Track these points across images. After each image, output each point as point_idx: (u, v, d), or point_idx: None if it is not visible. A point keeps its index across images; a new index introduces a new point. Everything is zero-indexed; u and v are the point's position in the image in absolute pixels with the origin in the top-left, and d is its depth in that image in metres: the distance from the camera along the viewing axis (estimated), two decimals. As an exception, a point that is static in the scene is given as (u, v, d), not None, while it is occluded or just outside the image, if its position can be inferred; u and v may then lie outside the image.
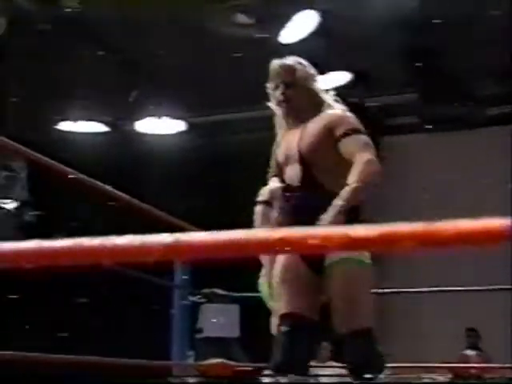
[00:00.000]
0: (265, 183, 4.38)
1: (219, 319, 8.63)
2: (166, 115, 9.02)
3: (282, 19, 6.82)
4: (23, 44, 6.74)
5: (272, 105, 3.57)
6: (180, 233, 0.85)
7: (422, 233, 0.81)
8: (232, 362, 7.51)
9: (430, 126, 8.96)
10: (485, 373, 7.48)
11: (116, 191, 3.97)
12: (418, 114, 9.18)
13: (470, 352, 8.35)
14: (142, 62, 7.77)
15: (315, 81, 3.59)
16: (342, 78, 7.96)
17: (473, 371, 7.60)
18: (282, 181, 3.48)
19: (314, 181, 3.32)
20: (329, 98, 3.55)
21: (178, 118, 9.19)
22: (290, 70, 3.54)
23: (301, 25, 6.87)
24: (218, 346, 8.29)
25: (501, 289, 6.21)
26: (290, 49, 7.04)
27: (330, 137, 3.33)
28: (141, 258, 0.87)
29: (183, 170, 9.35)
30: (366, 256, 3.30)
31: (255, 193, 4.33)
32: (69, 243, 0.78)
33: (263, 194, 4.33)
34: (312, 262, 3.29)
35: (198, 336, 8.24)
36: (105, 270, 3.69)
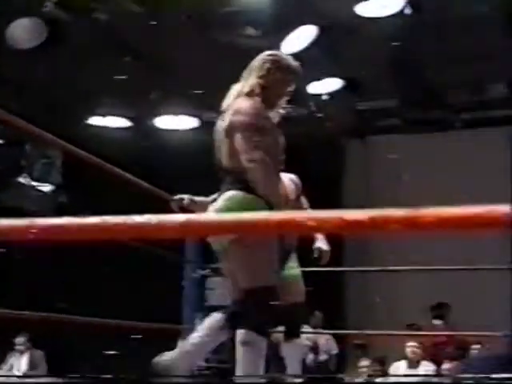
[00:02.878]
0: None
1: (222, 290, 8.68)
2: (182, 113, 9.03)
3: (285, 32, 6.79)
4: (62, 51, 6.75)
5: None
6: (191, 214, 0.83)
7: (408, 217, 0.79)
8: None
9: (409, 128, 9.05)
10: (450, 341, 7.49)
11: (136, 178, 3.95)
12: (399, 117, 9.20)
13: (436, 321, 8.29)
14: (163, 67, 7.75)
15: None
16: (336, 83, 7.97)
17: (439, 339, 7.57)
18: None
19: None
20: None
21: (191, 116, 9.18)
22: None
23: (301, 37, 6.85)
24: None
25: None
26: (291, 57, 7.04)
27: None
28: (157, 235, 0.85)
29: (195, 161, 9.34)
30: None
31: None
32: (96, 220, 0.77)
33: None
34: None
35: (206, 304, 8.26)
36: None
